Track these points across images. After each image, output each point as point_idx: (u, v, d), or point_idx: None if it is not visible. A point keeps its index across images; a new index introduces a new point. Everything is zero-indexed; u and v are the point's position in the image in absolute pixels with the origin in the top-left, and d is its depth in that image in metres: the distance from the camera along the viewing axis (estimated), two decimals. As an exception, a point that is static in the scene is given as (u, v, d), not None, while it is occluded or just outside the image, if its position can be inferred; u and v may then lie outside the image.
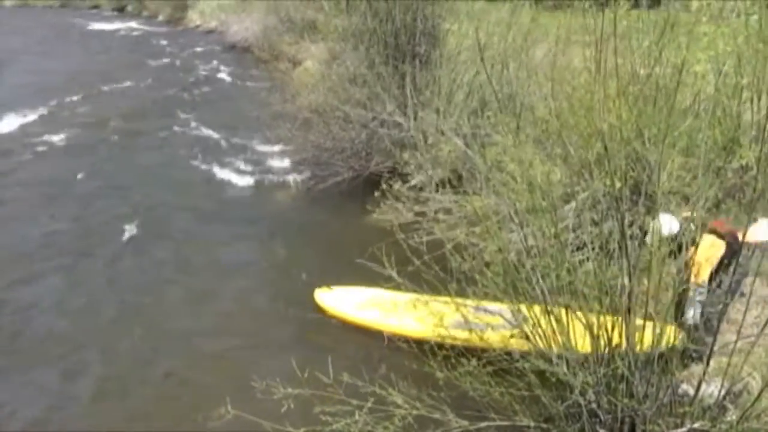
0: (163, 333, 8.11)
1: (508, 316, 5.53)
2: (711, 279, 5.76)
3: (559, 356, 4.96)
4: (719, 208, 5.80)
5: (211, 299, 8.80)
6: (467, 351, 5.40)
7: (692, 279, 5.47)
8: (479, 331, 5.67)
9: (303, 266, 9.38)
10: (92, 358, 7.65)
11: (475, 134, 9.68)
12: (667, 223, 5.45)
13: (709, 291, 5.73)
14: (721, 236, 5.72)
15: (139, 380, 7.22)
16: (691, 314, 5.74)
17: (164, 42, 35.62)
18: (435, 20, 11.58)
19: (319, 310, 8.16)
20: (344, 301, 8.13)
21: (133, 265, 9.88)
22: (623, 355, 4.77)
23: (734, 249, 5.67)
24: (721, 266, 5.73)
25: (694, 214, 5.18)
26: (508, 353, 5.40)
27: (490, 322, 5.92)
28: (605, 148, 4.65)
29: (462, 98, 10.98)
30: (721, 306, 5.15)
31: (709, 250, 5.60)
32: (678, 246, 5.07)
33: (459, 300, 5.56)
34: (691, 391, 4.80)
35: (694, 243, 5.25)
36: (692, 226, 5.22)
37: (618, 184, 4.62)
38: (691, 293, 5.65)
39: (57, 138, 16.72)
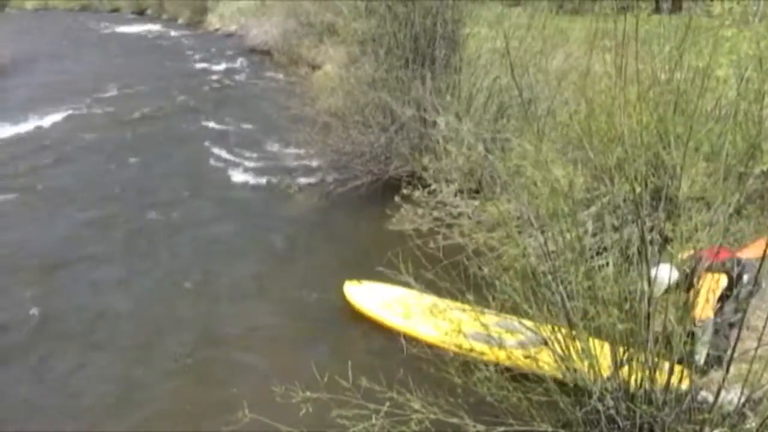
0: (194, 317, 8.47)
1: (527, 322, 5.52)
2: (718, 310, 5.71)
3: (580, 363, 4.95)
4: (740, 214, 5.76)
5: (235, 291, 9.03)
6: (485, 356, 5.40)
7: (697, 317, 5.42)
8: (498, 336, 5.65)
9: (322, 267, 9.54)
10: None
11: (495, 138, 9.66)
12: (667, 273, 5.31)
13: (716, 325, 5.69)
14: (719, 270, 5.59)
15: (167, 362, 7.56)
16: (700, 356, 5.68)
17: (184, 45, 35.84)
18: (455, 24, 11.55)
19: (347, 302, 8.24)
20: (370, 298, 8.13)
21: (165, 254, 10.35)
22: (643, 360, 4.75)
23: (740, 272, 5.63)
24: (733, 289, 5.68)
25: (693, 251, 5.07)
26: (527, 358, 5.40)
27: (509, 328, 5.90)
28: (626, 152, 4.63)
29: (482, 102, 10.96)
30: (740, 314, 5.12)
31: (710, 287, 5.46)
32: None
33: (478, 308, 5.54)
34: (711, 398, 4.76)
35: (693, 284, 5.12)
36: (687, 270, 5.11)
37: (638, 189, 4.60)
38: (698, 332, 5.57)
39: (81, 137, 17.13)
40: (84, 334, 8.11)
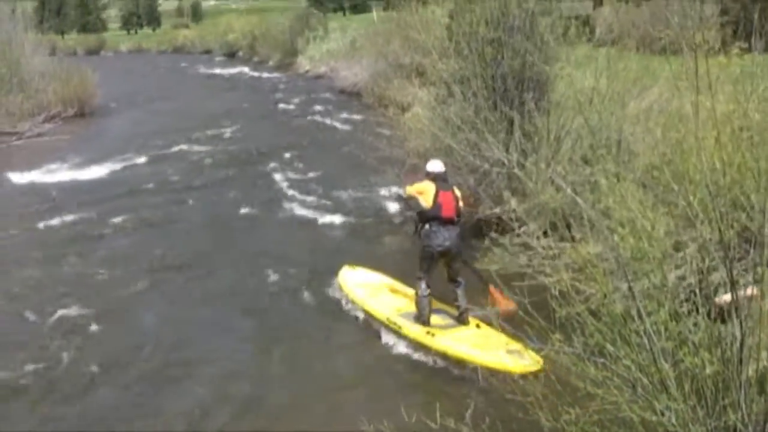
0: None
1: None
2: None
3: (667, 407, 4.86)
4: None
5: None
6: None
7: None
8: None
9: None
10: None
11: (583, 181, 9.60)
12: (435, 165, 8.69)
13: None
14: None
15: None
16: None
17: (275, 87, 36.74)
18: (543, 66, 11.53)
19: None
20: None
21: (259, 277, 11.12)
22: (736, 407, 4.65)
23: None
24: None
25: None
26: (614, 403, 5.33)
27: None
28: (711, 194, 4.58)
29: (570, 145, 10.91)
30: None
31: None
32: None
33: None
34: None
35: None
36: None
37: (726, 233, 4.54)
38: None
39: (173, 177, 17.90)
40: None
